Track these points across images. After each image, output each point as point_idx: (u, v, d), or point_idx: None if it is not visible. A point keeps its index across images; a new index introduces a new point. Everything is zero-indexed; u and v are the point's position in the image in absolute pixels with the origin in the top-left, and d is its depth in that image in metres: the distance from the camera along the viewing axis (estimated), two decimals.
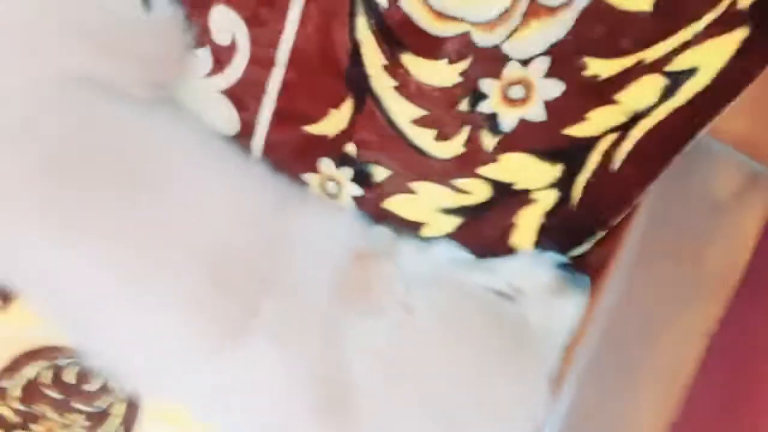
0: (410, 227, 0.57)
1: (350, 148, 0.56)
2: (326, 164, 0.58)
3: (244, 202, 0.55)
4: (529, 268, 0.54)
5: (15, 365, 0.61)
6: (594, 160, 0.51)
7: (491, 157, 0.52)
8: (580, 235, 0.55)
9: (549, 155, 0.51)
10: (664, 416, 0.53)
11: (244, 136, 0.59)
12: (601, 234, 0.55)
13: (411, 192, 0.56)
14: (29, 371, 0.61)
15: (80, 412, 0.61)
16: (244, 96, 0.57)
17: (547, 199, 0.53)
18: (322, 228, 0.56)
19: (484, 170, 0.53)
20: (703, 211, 0.54)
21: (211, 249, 0.52)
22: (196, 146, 0.55)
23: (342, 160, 0.57)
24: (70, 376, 0.62)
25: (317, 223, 0.56)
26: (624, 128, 0.49)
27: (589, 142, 0.50)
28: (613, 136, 0.50)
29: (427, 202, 0.56)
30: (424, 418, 0.50)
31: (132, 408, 0.61)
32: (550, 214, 0.54)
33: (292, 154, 0.58)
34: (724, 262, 0.54)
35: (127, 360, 0.53)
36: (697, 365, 0.53)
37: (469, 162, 0.53)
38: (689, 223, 0.54)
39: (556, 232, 0.55)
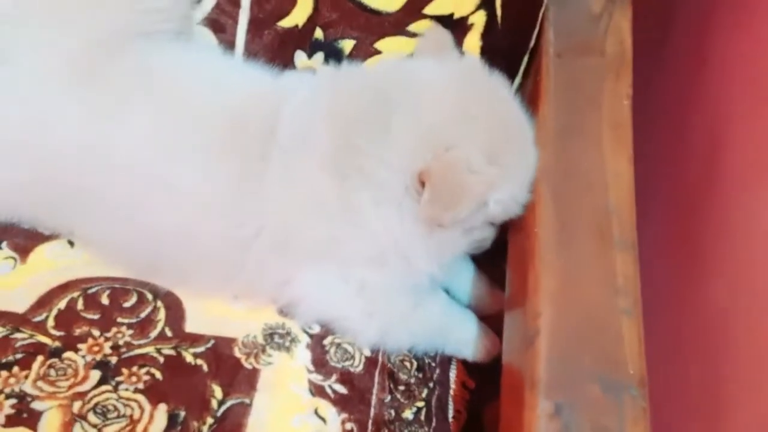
0: None
1: (318, 33, 0.69)
2: (300, 57, 0.70)
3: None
4: None
5: (44, 300, 0.61)
6: None
7: None
8: (512, 57, 0.71)
9: None
10: (624, 154, 0.65)
11: None
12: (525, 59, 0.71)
13: (377, 52, 0.69)
14: (59, 303, 0.61)
15: (123, 324, 0.60)
16: (219, 17, 0.69)
17: (480, 20, 0.68)
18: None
19: (428, 9, 0.68)
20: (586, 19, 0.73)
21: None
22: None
23: (313, 47, 0.69)
24: (103, 299, 0.62)
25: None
26: None
27: None
28: None
29: (392, 56, 0.69)
30: None
31: (174, 310, 0.62)
32: (485, 36, 0.69)
33: (270, 57, 0.70)
34: (617, 49, 0.72)
35: None
36: (630, 117, 0.68)
37: (414, 7, 0.68)
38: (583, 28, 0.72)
39: (493, 55, 0.69)
